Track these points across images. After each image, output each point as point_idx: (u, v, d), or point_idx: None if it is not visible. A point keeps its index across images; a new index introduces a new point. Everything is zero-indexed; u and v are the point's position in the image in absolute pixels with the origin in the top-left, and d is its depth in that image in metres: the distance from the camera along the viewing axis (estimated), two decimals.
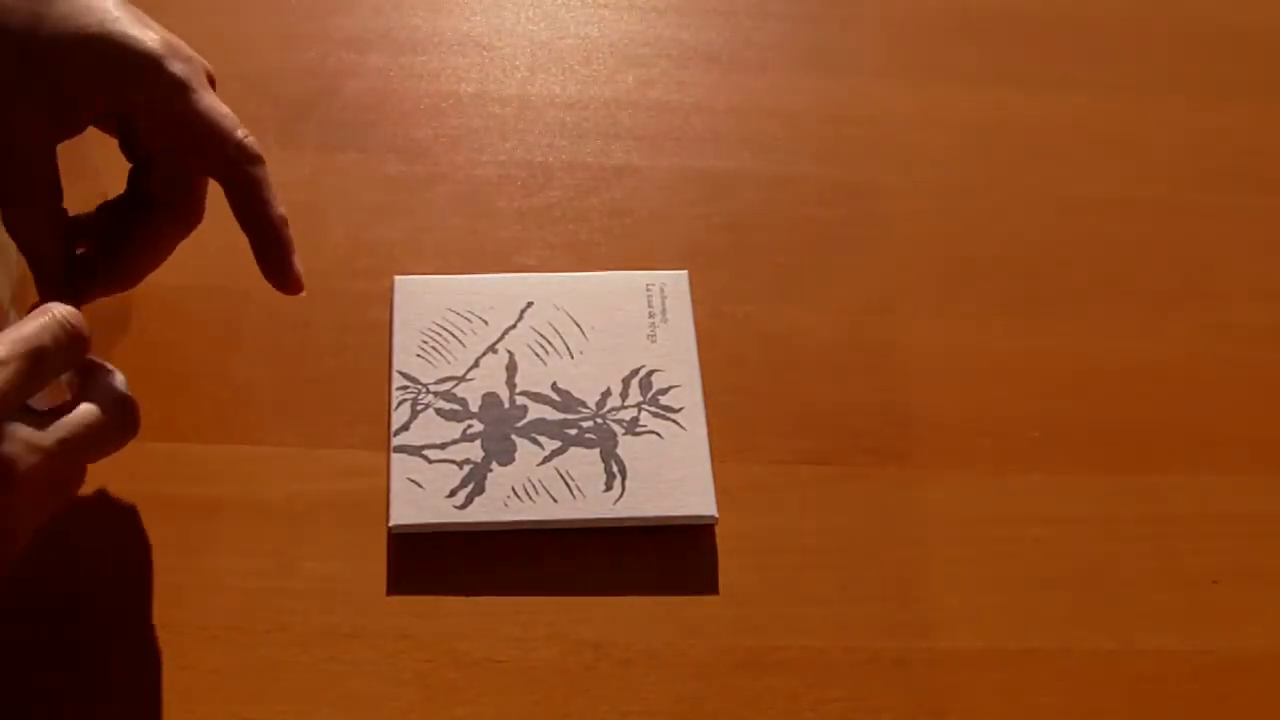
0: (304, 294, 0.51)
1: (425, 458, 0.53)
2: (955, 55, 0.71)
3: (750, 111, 0.67)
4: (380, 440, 0.54)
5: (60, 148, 0.48)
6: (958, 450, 0.56)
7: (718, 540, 0.53)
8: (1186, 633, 0.53)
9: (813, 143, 0.66)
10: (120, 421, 0.44)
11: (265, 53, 0.66)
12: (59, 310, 0.43)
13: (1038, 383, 0.59)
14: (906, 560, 0.53)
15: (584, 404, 0.55)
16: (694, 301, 0.59)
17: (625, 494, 0.53)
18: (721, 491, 0.54)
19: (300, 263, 0.50)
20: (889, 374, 0.58)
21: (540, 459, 0.54)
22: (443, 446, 0.54)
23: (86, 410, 0.43)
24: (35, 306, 0.44)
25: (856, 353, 0.59)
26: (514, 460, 0.53)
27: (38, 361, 0.41)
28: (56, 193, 0.49)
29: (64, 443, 0.41)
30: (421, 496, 0.52)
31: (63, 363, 0.43)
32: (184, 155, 0.50)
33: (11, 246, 0.49)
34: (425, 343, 0.56)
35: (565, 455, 0.54)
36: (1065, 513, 0.55)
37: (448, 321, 0.57)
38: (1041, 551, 0.54)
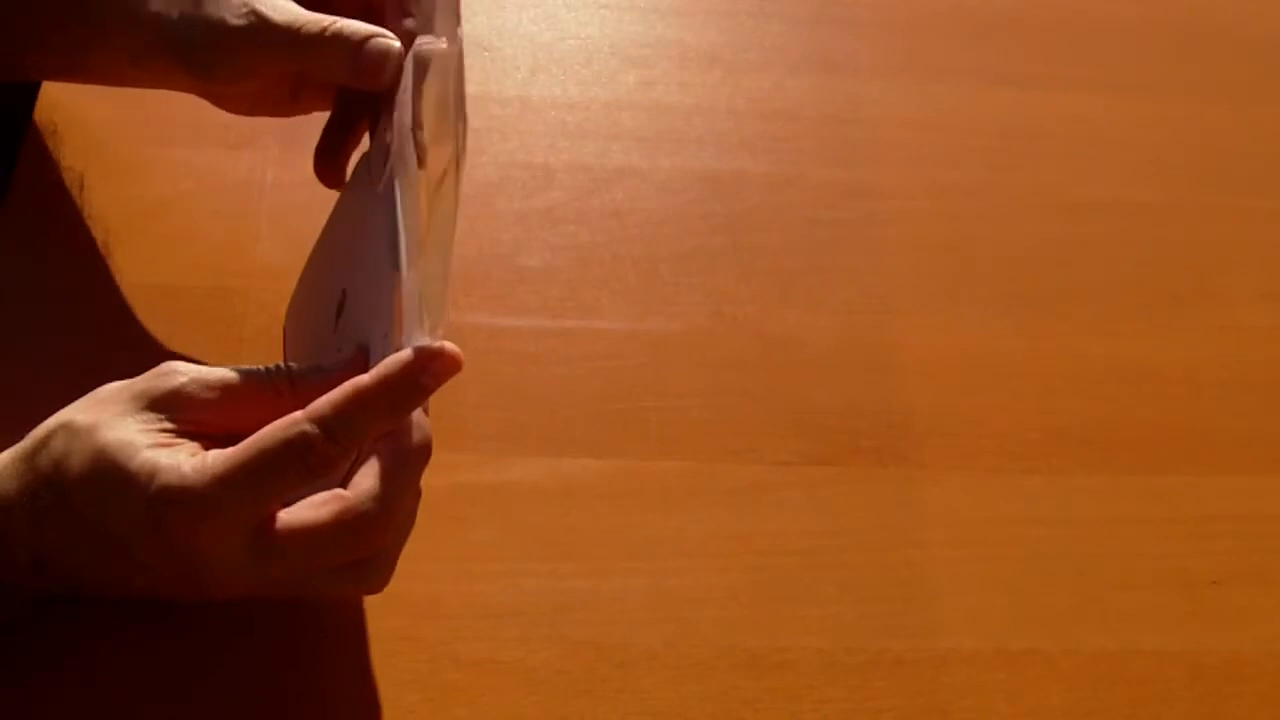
0: None
1: None
2: (955, 55, 0.71)
3: (751, 112, 0.67)
4: None
5: None
6: (958, 451, 0.56)
7: (719, 540, 0.53)
8: (1187, 633, 0.53)
9: (813, 143, 0.66)
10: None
11: None
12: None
13: (1038, 383, 0.59)
14: (906, 560, 0.53)
15: None
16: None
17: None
18: (722, 491, 0.54)
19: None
20: (889, 375, 0.58)
21: None
22: None
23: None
24: None
25: (857, 353, 0.59)
26: None
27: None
28: None
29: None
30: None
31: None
32: None
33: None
34: None
35: None
36: (1065, 513, 0.55)
37: None
38: (1041, 551, 0.54)
